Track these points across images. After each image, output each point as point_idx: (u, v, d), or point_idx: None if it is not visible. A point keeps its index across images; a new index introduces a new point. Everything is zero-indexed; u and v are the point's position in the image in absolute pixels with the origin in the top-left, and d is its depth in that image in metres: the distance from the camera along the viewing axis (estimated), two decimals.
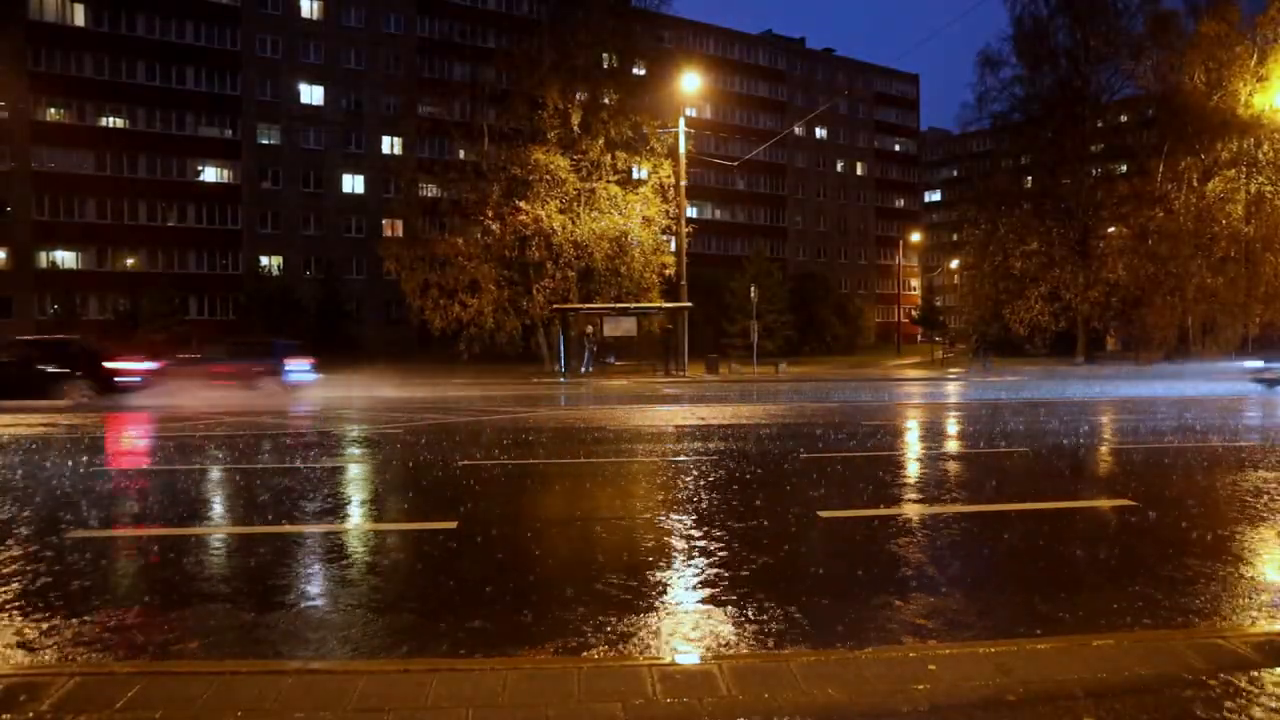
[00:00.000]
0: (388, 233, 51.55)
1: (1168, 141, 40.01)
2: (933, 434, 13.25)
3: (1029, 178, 45.43)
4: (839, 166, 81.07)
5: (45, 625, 4.10)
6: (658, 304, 34.08)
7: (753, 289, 34.83)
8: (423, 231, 38.53)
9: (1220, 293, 38.83)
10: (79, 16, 49.88)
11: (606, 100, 35.85)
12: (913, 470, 9.30)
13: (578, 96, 35.32)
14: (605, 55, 36.76)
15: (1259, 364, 26.22)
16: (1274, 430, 13.01)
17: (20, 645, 3.85)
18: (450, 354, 36.26)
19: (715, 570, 5.02)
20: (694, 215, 49.55)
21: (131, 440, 13.18)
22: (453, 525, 6.23)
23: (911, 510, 6.91)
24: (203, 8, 52.07)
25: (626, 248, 35.08)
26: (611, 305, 33.66)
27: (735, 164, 56.53)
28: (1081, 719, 2.92)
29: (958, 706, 3.00)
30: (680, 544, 5.68)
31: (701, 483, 8.07)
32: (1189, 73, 39.15)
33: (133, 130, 50.86)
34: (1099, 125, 44.22)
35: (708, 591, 4.62)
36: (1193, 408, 17.24)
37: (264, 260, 53.85)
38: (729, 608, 4.33)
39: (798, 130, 68.01)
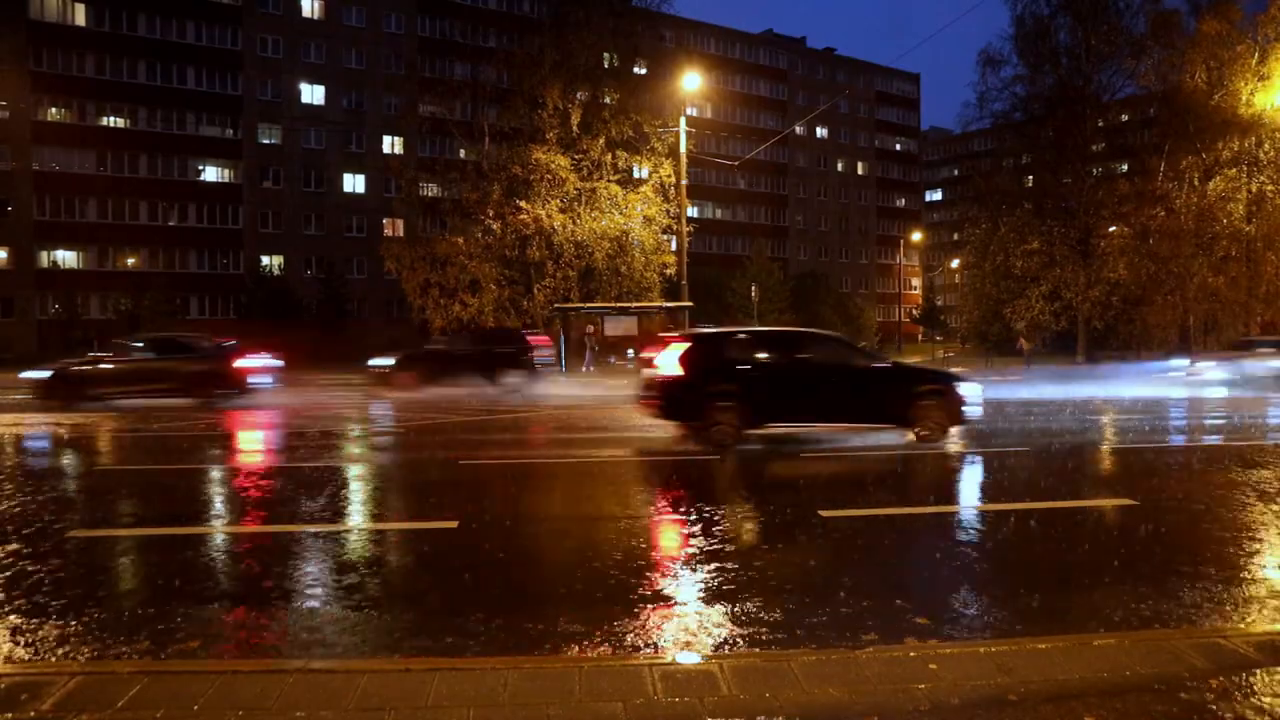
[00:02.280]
0: (388, 232, 51.45)
1: (1169, 141, 39.92)
2: None
3: (1030, 177, 45.31)
4: (840, 166, 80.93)
5: None
6: (659, 303, 34.04)
7: (754, 288, 34.83)
8: (423, 231, 38.52)
9: (1221, 292, 38.73)
10: (80, 16, 49.80)
11: (607, 99, 35.80)
12: (907, 469, 9.30)
13: (578, 96, 35.26)
14: (606, 55, 36.67)
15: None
16: None
17: None
18: None
19: (715, 568, 5.01)
20: (695, 215, 49.46)
21: None
22: (453, 524, 6.24)
23: (909, 509, 6.91)
24: (204, 7, 52.01)
25: (627, 247, 35.04)
26: (613, 305, 33.62)
27: (736, 163, 56.38)
28: (1083, 719, 2.92)
29: (959, 706, 2.99)
30: (681, 542, 5.67)
31: (702, 481, 8.06)
32: (1190, 72, 39.07)
33: (134, 130, 50.81)
34: (1100, 124, 44.12)
35: (708, 590, 4.62)
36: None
37: (265, 260, 53.78)
38: (729, 606, 4.32)
39: (799, 129, 67.88)
